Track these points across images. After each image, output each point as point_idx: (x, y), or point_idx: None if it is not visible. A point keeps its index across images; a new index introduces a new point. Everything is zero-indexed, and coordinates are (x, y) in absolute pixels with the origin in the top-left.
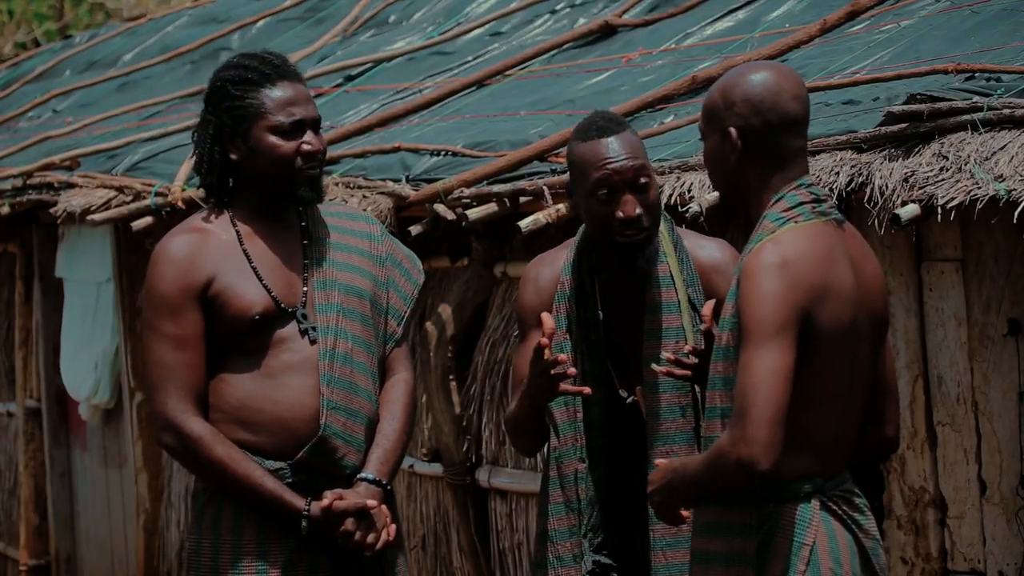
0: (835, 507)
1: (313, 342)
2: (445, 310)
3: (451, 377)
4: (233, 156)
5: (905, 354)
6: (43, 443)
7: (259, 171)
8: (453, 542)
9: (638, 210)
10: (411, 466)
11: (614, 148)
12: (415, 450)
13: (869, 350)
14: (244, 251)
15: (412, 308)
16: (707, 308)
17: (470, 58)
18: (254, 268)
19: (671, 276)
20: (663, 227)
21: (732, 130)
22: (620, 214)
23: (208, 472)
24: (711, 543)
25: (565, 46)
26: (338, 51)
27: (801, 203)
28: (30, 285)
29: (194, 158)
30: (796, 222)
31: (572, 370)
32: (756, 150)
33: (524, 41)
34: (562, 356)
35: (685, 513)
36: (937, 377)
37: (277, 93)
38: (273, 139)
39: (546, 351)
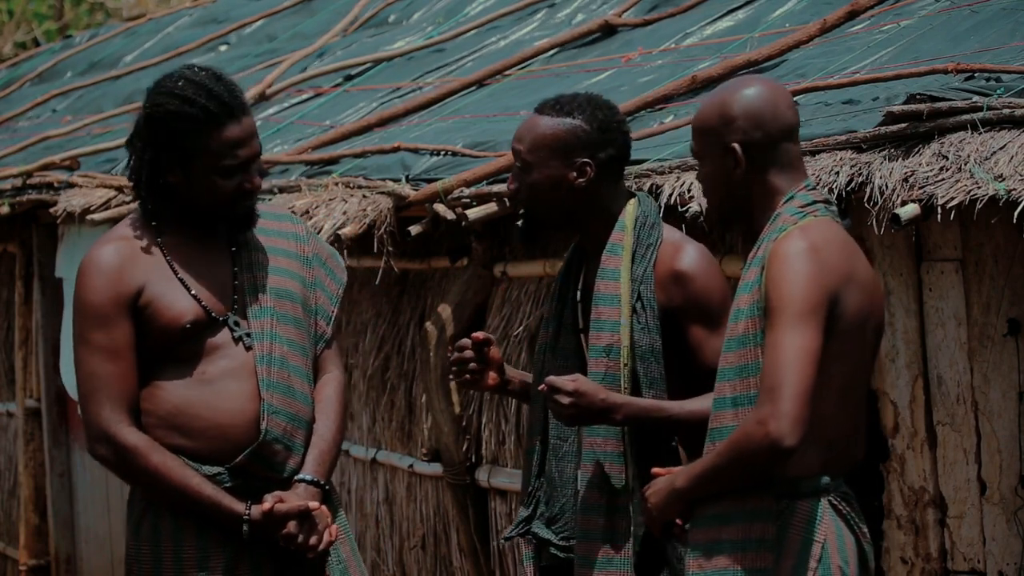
0: (841, 507)
1: (248, 348)
2: (445, 310)
3: (451, 377)
4: (171, 179)
5: (905, 354)
6: (43, 443)
7: (195, 201)
8: (453, 542)
9: (512, 184)
10: (411, 466)
11: (521, 124)
12: (415, 450)
13: (871, 353)
14: (169, 262)
15: (339, 307)
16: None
17: (467, 55)
18: (180, 279)
19: (619, 270)
20: (630, 222)
21: (736, 146)
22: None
23: (144, 481)
24: (722, 532)
25: (565, 46)
26: (338, 50)
27: (814, 201)
28: (30, 285)
29: (128, 170)
30: (815, 216)
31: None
32: (761, 162)
33: (523, 40)
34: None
35: (679, 522)
36: (937, 377)
37: (225, 135)
38: (216, 180)
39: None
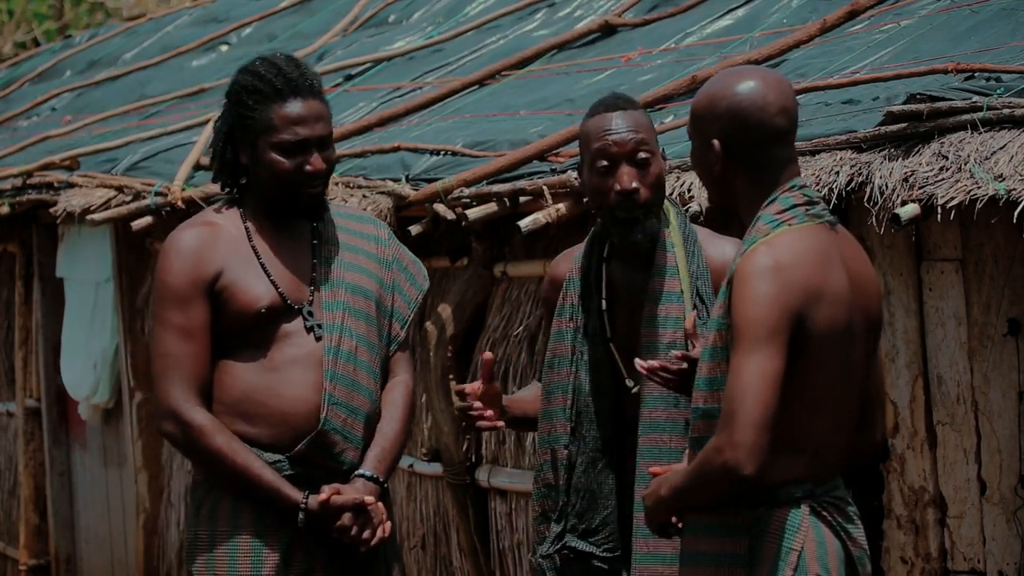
0: (825, 514)
1: (318, 339)
2: (445, 310)
3: (451, 377)
4: (243, 160)
5: (905, 354)
6: (43, 443)
7: (262, 181)
8: (453, 542)
9: (634, 183)
10: (411, 466)
11: (616, 122)
12: (415, 450)
13: (863, 353)
14: (252, 247)
15: (415, 313)
16: (689, 320)
17: (467, 54)
18: (262, 264)
19: (676, 266)
20: (673, 218)
21: (715, 142)
22: (617, 186)
23: (207, 461)
24: (699, 543)
25: (565, 45)
26: (338, 50)
27: (795, 205)
28: (30, 285)
29: (211, 150)
30: (790, 224)
31: (477, 405)
32: (741, 162)
33: (523, 39)
34: (469, 389)
35: (678, 523)
36: (937, 377)
37: (286, 110)
38: (275, 156)
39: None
